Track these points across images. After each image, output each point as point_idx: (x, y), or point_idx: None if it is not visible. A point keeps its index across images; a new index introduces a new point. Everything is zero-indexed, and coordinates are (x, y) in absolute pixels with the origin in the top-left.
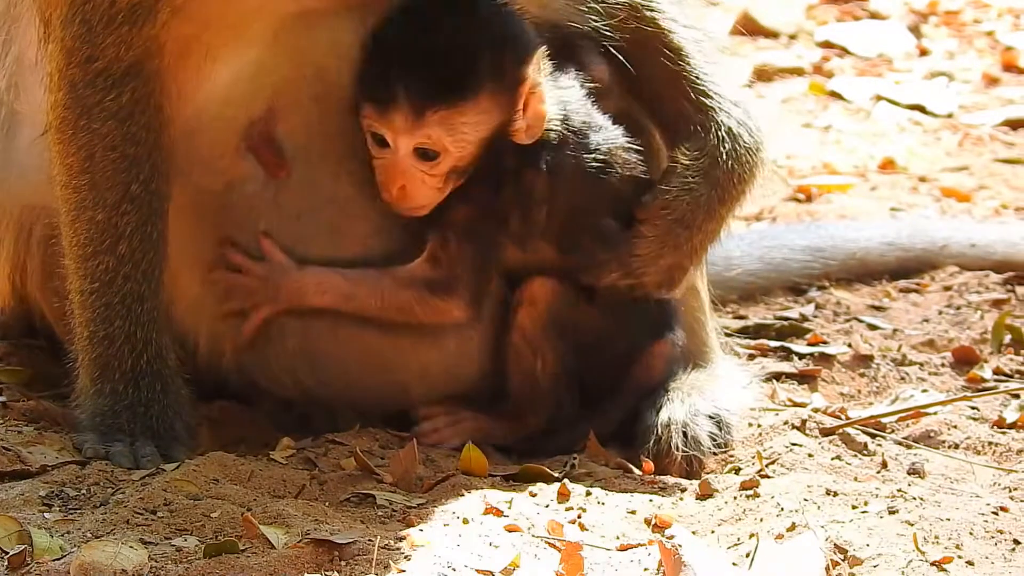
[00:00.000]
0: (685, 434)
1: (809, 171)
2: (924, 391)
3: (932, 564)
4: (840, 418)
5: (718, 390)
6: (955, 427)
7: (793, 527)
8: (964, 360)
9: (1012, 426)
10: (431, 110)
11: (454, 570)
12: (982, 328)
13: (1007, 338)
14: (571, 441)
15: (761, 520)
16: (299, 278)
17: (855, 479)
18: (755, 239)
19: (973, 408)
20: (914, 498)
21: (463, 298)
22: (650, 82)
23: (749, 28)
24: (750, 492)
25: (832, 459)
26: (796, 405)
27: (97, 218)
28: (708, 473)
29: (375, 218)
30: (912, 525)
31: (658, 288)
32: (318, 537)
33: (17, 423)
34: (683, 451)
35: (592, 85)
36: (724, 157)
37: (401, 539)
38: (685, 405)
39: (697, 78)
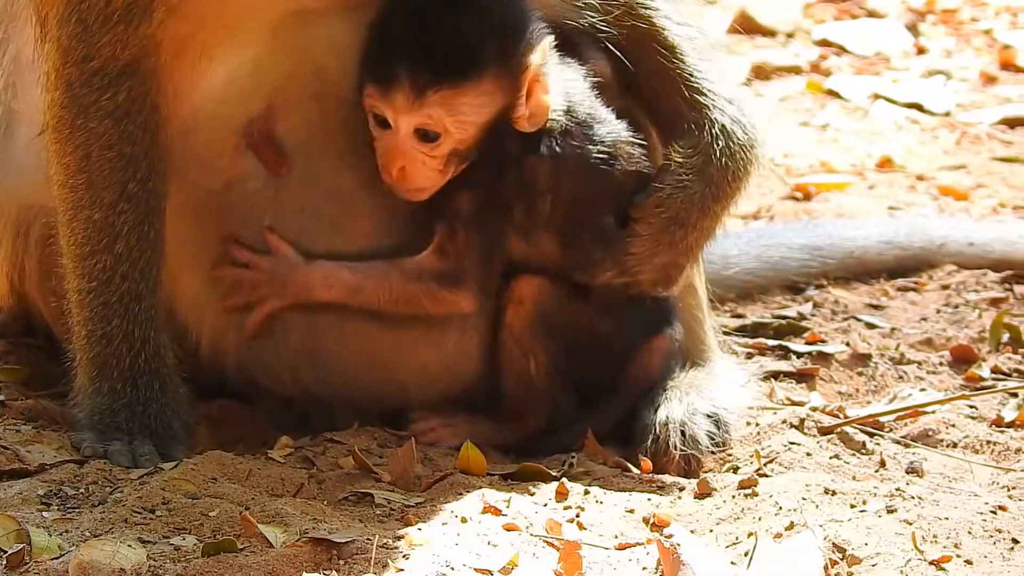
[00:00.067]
0: (683, 433)
1: (807, 170)
2: (922, 390)
3: (930, 563)
4: (838, 417)
5: (716, 389)
6: (953, 426)
7: (791, 526)
8: (962, 359)
9: (1010, 425)
10: (432, 90)
11: (452, 569)
12: (980, 327)
13: (1005, 337)
14: (569, 440)
15: (759, 519)
16: (306, 272)
17: (853, 478)
18: (753, 238)
19: (971, 407)
20: (912, 497)
21: (471, 290)
22: (646, 79)
23: (746, 26)
24: (748, 491)
25: (830, 458)
26: (794, 404)
27: (94, 217)
28: (706, 472)
29: (379, 213)
30: (910, 524)
31: (654, 286)
32: (316, 536)
33: (15, 422)
34: (681, 450)
35: (595, 79)
36: (718, 154)
37: (399, 538)
38: (683, 404)
39: (691, 75)
